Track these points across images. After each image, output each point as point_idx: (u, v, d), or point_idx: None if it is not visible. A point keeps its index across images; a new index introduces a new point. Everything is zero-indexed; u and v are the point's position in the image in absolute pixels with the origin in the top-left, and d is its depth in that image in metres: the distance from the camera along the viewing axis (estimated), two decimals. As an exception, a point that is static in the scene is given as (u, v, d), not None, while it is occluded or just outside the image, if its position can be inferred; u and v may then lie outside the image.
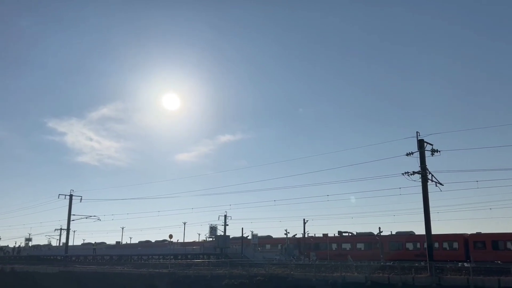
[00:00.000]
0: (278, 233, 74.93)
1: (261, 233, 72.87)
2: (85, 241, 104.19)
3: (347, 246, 61.87)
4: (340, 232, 64.96)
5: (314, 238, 67.42)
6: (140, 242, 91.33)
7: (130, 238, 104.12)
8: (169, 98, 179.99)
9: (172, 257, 59.76)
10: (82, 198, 66.06)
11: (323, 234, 66.23)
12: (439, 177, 30.56)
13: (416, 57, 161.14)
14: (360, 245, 60.97)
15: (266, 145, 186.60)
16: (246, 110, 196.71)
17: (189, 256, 59.76)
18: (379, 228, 59.15)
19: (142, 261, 60.80)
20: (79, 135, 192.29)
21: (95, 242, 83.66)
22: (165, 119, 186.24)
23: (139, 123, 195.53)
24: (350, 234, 64.29)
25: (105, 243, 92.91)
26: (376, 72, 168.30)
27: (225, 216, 67.02)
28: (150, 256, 67.52)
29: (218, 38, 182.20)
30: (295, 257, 57.96)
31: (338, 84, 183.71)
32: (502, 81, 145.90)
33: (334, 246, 62.78)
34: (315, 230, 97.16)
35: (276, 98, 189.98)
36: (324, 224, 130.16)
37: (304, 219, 68.29)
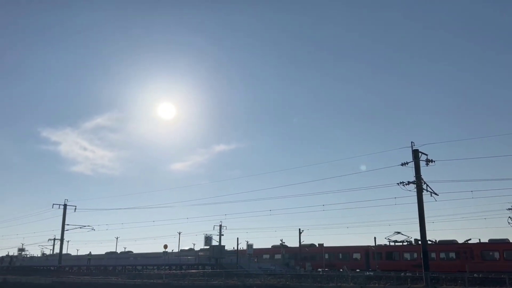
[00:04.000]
0: (273, 243, 74.35)
1: (256, 243, 72.78)
2: (79, 252, 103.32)
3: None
4: None
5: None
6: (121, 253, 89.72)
7: (125, 248, 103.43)
8: (164, 107, 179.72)
9: (167, 267, 59.37)
10: (76, 207, 65.73)
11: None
12: (434, 187, 30.65)
13: (413, 66, 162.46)
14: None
15: (261, 155, 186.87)
16: (240, 120, 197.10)
17: (183, 267, 59.37)
18: (374, 238, 59.13)
19: (137, 272, 60.33)
20: (73, 145, 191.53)
21: (90, 253, 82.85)
22: (160, 128, 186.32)
23: (134, 132, 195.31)
24: None
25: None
26: (372, 81, 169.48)
27: (220, 226, 66.75)
28: (145, 267, 66.99)
29: (213, 47, 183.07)
30: (291, 267, 57.84)
31: (333, 94, 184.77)
32: (498, 91, 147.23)
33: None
34: (311, 240, 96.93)
35: (271, 108, 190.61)
36: (320, 234, 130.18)
37: (299, 229, 68.23)
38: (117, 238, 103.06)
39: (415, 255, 52.46)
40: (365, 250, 57.83)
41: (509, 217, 54.25)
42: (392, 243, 57.66)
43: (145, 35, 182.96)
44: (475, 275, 36.15)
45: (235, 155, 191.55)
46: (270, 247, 73.55)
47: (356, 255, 59.32)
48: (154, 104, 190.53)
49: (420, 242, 54.58)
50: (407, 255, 54.62)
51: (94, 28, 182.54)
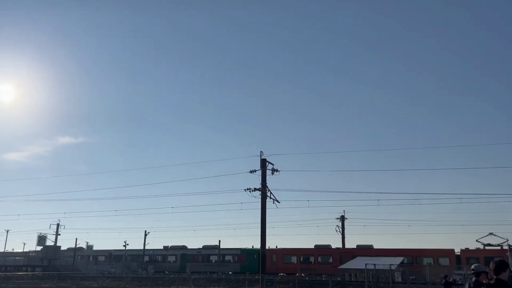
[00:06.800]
0: (117, 245, 70.88)
1: (98, 244, 68.68)
2: None
3: None
4: None
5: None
6: None
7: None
8: (2, 88, 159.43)
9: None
10: None
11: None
12: (277, 194, 32.84)
13: (267, 79, 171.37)
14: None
15: (111, 152, 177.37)
16: (92, 113, 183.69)
17: (9, 268, 53.49)
18: (219, 241, 60.57)
19: None
20: None
21: None
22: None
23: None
24: None
25: None
26: (232, 83, 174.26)
27: (58, 224, 61.89)
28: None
29: (69, 28, 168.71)
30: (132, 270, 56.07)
31: (194, 94, 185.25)
32: (336, 109, 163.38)
33: None
34: (158, 242, 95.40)
35: (127, 103, 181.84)
36: (167, 237, 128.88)
37: (145, 231, 66.57)
38: None
39: None
40: (453, 256, 48.46)
41: (337, 225, 61.08)
42: (486, 247, 47.38)
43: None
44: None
45: (82, 149, 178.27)
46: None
47: (443, 260, 48.28)
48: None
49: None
50: None
51: None
